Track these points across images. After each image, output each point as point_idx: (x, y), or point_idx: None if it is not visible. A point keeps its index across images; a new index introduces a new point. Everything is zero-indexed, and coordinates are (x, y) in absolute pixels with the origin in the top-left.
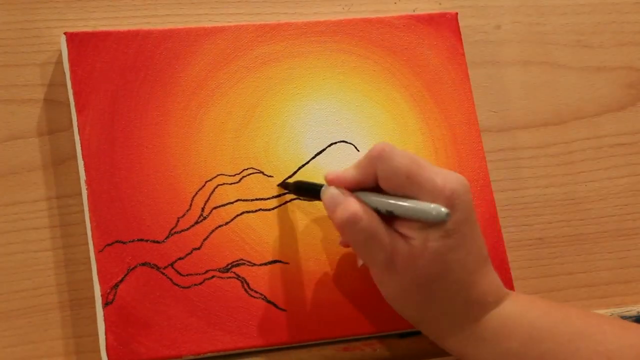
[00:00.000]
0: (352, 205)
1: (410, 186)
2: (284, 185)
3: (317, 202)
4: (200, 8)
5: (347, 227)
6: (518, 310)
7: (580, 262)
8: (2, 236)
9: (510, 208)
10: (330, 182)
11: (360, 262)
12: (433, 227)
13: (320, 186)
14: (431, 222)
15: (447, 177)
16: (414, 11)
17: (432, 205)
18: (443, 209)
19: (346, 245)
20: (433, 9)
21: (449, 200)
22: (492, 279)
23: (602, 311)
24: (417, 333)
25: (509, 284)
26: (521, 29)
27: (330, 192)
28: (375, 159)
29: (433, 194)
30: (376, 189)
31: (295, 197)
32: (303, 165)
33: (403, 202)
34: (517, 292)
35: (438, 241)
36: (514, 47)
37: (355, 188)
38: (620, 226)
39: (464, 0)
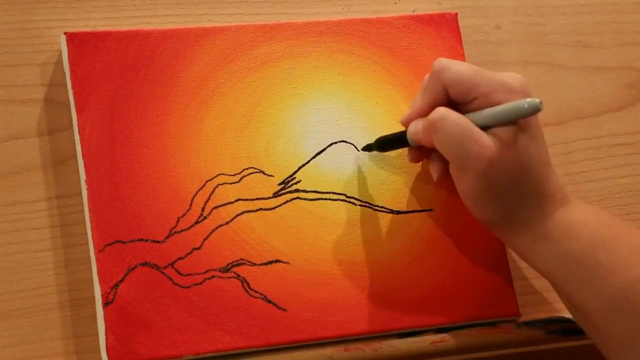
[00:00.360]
0: (438, 109)
1: (480, 82)
2: (366, 148)
3: (318, 202)
4: (200, 8)
5: (439, 124)
6: (584, 216)
7: None
8: (2, 236)
9: None
10: (408, 121)
11: (435, 175)
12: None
13: (403, 133)
14: (528, 115)
15: (508, 73)
16: (413, 11)
17: (523, 101)
18: (536, 100)
19: (418, 159)
20: (433, 9)
21: (523, 90)
22: (557, 176)
23: None
24: (417, 333)
25: (509, 284)
26: (521, 29)
27: (413, 123)
28: (440, 73)
29: (505, 87)
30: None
31: (296, 197)
32: (303, 165)
33: (491, 110)
34: (580, 200)
35: (523, 133)
36: (514, 47)
37: (429, 112)
38: None
39: (464, 1)
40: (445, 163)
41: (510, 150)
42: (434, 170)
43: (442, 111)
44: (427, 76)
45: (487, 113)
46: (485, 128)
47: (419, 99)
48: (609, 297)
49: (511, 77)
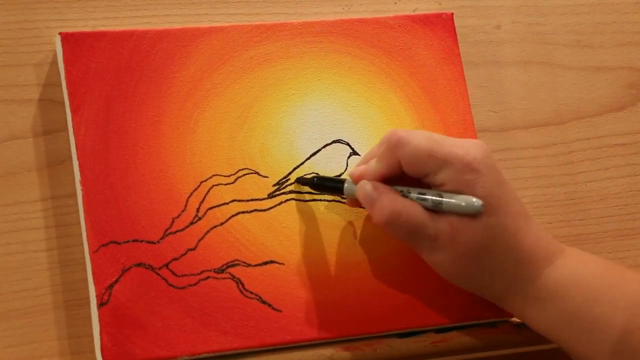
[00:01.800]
0: (390, 201)
1: (434, 163)
2: (301, 181)
3: (313, 203)
4: (200, 8)
5: (389, 225)
6: (573, 269)
7: None
8: (1, 236)
9: None
10: (359, 178)
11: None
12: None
13: (342, 181)
14: (471, 214)
15: (466, 146)
16: (414, 11)
17: (466, 201)
18: (476, 202)
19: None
20: (433, 9)
21: (472, 167)
22: (538, 234)
23: None
24: (417, 333)
25: None
26: (521, 29)
27: (363, 187)
28: (395, 147)
29: (456, 166)
30: (400, 175)
31: (290, 197)
32: (298, 166)
33: (442, 197)
34: (571, 249)
35: (479, 219)
36: (514, 47)
37: (381, 180)
38: (620, 226)
39: (464, 1)
40: None
41: (467, 236)
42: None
43: (393, 209)
44: (387, 135)
45: (431, 201)
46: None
47: (375, 163)
48: (611, 349)
49: (468, 148)
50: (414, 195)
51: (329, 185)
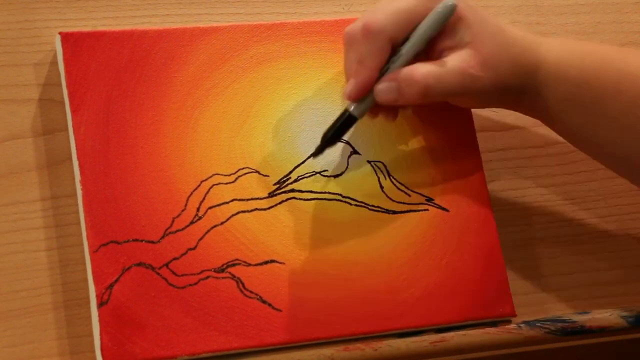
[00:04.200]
0: (412, 74)
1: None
2: (317, 153)
3: (313, 202)
4: (200, 8)
5: (429, 91)
6: (563, 52)
7: (580, 262)
8: (1, 236)
9: (510, 208)
10: (358, 92)
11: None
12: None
13: (344, 113)
14: (448, 16)
15: None
16: None
17: (435, 9)
18: (448, 3)
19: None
20: None
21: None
22: (516, 29)
23: (602, 311)
24: (417, 333)
25: (504, 284)
26: (521, 28)
27: (380, 87)
28: (378, 33)
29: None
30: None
31: (291, 197)
32: (299, 165)
33: (423, 23)
34: (544, 38)
35: (471, 28)
36: None
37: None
38: (620, 226)
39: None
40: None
41: (477, 46)
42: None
43: (421, 77)
44: (350, 34)
45: (417, 38)
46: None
47: (364, 64)
48: (622, 114)
49: None
50: (404, 50)
51: (341, 129)
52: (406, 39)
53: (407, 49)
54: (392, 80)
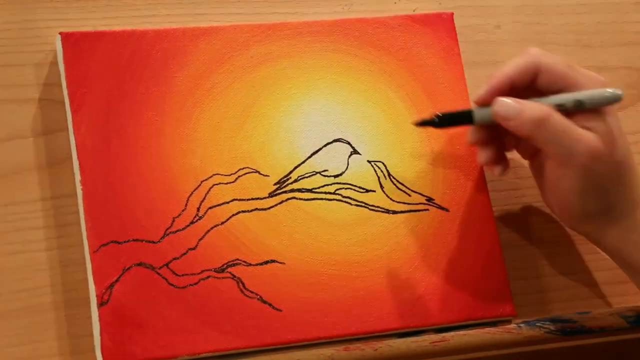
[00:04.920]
0: (538, 104)
1: (572, 75)
2: (422, 123)
3: (313, 202)
4: (201, 8)
5: (543, 124)
6: None
7: (580, 262)
8: (1, 236)
9: (510, 208)
10: (485, 98)
11: (484, 159)
12: (607, 113)
13: (467, 111)
14: (612, 102)
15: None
16: (414, 11)
17: (609, 89)
18: (618, 90)
19: (491, 160)
20: (433, 9)
21: (606, 85)
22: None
23: (602, 311)
24: (417, 333)
25: (504, 284)
26: (521, 28)
27: (504, 102)
28: (537, 56)
29: (592, 81)
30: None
31: (291, 196)
32: (299, 165)
33: (584, 91)
34: None
35: (615, 125)
36: (514, 47)
37: (508, 89)
38: None
39: (464, 0)
40: (501, 151)
41: (609, 143)
42: (486, 157)
43: (545, 110)
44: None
45: (572, 101)
46: (565, 112)
47: (504, 73)
48: None
49: (597, 75)
50: (551, 101)
51: (456, 119)
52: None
53: (553, 99)
54: (518, 102)
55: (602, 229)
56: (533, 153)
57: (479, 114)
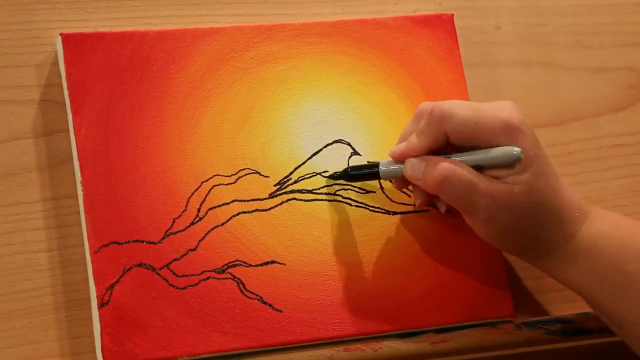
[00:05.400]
0: (441, 162)
1: (481, 131)
2: (333, 177)
3: (314, 203)
4: (201, 9)
5: (445, 183)
6: (606, 228)
7: None
8: (2, 237)
9: None
10: (401, 157)
11: (443, 209)
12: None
13: (375, 165)
14: (511, 163)
15: (506, 109)
16: (414, 12)
17: (509, 150)
18: (515, 151)
19: (424, 204)
20: (433, 9)
21: (519, 129)
22: (570, 194)
23: None
24: (418, 333)
25: (504, 284)
26: (521, 29)
27: (410, 162)
28: (440, 121)
29: (504, 131)
30: (443, 147)
31: (291, 197)
32: (299, 166)
33: (484, 153)
34: (598, 209)
35: (527, 172)
36: (514, 48)
37: (426, 154)
38: None
39: (464, 1)
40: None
41: (520, 192)
42: (418, 199)
43: (447, 168)
44: (422, 109)
45: (481, 155)
46: (478, 168)
47: (418, 139)
48: None
49: (506, 112)
50: (456, 158)
51: (365, 173)
52: (465, 147)
53: (459, 156)
54: (424, 160)
55: (538, 263)
56: None
57: (387, 170)
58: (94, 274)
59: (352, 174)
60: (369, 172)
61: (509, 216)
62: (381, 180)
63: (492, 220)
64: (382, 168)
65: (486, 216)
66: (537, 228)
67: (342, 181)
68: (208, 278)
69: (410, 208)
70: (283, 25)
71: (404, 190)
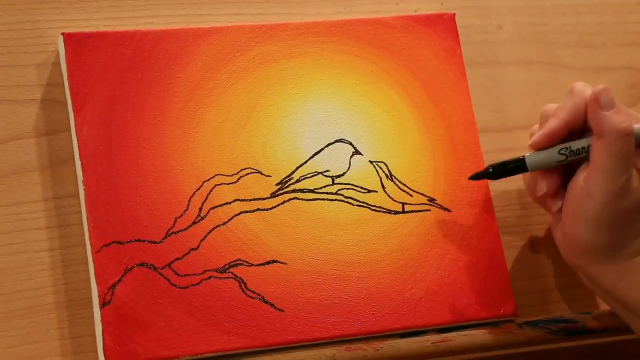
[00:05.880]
0: (633, 119)
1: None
2: (475, 177)
3: (316, 203)
4: (203, 9)
5: (627, 138)
6: None
7: None
8: (4, 237)
9: (511, 208)
10: (544, 139)
11: (556, 207)
12: None
13: (521, 159)
14: None
15: None
16: (416, 12)
17: None
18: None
19: (550, 194)
20: (435, 9)
21: None
22: None
23: (604, 311)
24: (419, 333)
25: (506, 284)
26: (523, 29)
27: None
28: (582, 91)
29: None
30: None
31: (293, 197)
32: (301, 165)
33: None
34: None
35: None
36: (516, 48)
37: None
38: None
39: (466, 1)
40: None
41: None
42: (545, 187)
43: (636, 127)
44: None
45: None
46: None
47: (558, 117)
48: None
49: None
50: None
51: (508, 170)
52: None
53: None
54: (619, 112)
55: (602, 264)
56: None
57: (533, 159)
58: (95, 273)
59: (494, 173)
60: (514, 166)
61: (627, 202)
62: (382, 179)
63: (618, 197)
64: (527, 157)
65: (616, 190)
66: (635, 226)
67: (343, 180)
68: (210, 278)
69: (413, 208)
70: (285, 25)
71: (404, 189)
